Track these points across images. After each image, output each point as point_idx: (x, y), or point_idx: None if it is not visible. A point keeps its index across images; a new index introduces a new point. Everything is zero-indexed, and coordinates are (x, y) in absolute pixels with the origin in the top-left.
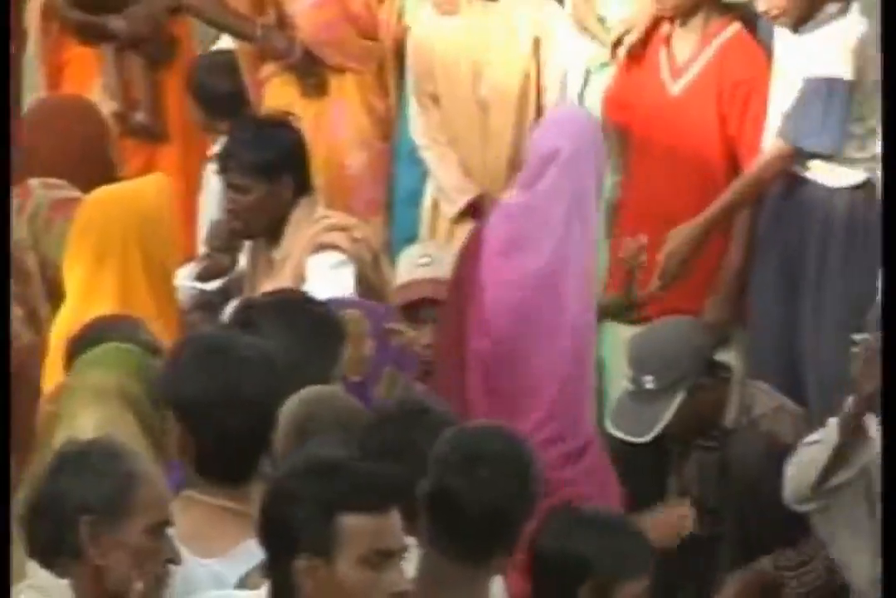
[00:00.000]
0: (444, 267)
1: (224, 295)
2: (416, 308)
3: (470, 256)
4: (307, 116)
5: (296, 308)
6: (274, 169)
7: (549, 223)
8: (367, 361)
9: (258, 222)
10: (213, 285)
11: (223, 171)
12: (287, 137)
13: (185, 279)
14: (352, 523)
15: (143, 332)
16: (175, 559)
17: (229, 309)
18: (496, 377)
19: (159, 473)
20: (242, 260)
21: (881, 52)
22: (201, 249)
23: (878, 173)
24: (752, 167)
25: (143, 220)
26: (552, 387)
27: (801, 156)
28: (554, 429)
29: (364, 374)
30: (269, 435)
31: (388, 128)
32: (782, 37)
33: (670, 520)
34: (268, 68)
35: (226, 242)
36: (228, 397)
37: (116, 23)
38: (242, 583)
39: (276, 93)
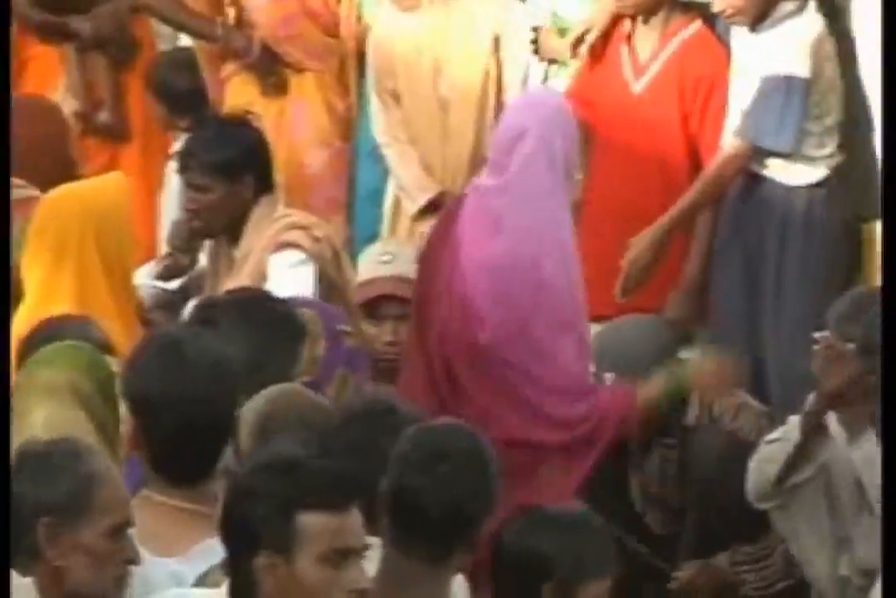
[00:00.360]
0: (405, 264)
1: (184, 294)
2: (376, 305)
3: (444, 239)
4: (268, 115)
5: (257, 307)
6: (234, 168)
7: (524, 203)
8: (319, 361)
9: (218, 222)
10: (173, 285)
11: (183, 170)
12: (248, 136)
13: (146, 278)
14: (311, 521)
15: (95, 330)
16: (135, 560)
17: (189, 308)
18: (501, 365)
19: (118, 473)
20: (203, 259)
21: (882, 53)
22: (163, 248)
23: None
24: (711, 167)
25: (102, 218)
26: (556, 369)
27: (759, 154)
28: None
29: (316, 374)
30: (225, 435)
31: (349, 127)
32: (740, 35)
33: (710, 374)
34: (228, 67)
35: (186, 241)
36: (182, 395)
37: (80, 23)
38: (201, 581)
39: (237, 92)
